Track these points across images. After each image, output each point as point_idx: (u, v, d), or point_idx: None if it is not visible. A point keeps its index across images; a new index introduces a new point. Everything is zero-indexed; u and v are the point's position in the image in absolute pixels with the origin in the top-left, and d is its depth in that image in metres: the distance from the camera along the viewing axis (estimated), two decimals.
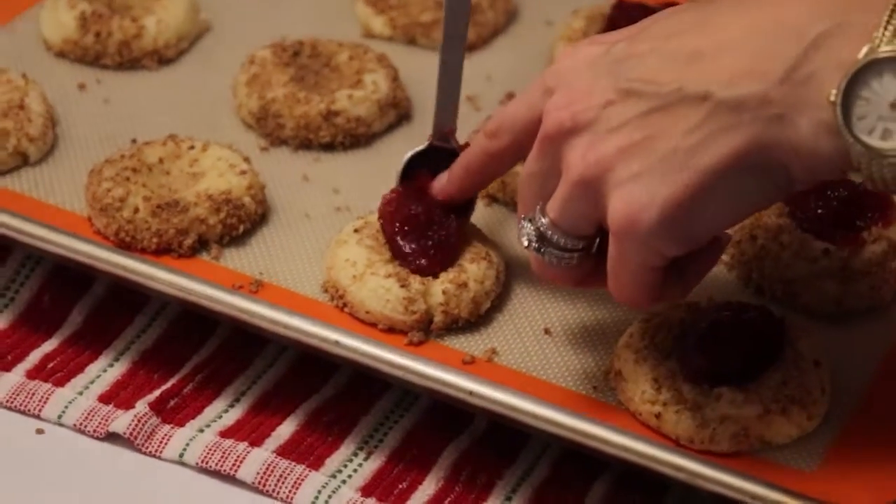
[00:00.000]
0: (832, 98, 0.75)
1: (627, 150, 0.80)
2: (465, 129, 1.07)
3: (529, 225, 0.86)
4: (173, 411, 0.94)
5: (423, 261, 0.93)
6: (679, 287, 0.86)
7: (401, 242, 0.94)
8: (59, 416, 0.94)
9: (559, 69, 0.85)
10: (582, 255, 0.86)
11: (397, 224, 0.94)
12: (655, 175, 0.79)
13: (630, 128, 0.80)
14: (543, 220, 0.85)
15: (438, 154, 0.97)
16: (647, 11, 1.11)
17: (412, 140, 1.07)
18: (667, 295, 0.86)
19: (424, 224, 0.94)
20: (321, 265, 0.97)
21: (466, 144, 0.95)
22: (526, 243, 0.87)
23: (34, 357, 0.98)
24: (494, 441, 0.93)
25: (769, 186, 0.80)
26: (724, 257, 0.98)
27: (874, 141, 0.75)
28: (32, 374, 0.97)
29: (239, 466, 0.91)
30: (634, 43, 0.82)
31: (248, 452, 0.91)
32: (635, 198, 0.80)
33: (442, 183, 0.96)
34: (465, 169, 0.94)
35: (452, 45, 0.97)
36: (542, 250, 0.86)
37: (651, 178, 0.79)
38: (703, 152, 0.78)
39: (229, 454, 0.91)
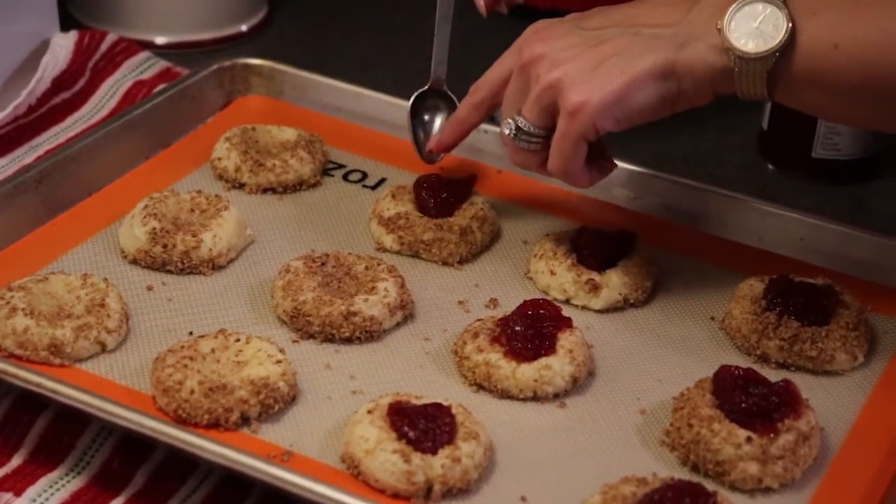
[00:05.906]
0: (719, 26, 0.99)
1: (580, 65, 1.02)
2: (456, 325, 1.08)
3: (512, 122, 1.06)
4: None
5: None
6: (594, 173, 1.09)
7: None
8: None
9: (532, 42, 1.05)
10: (542, 142, 1.06)
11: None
12: (601, 77, 1.01)
13: (581, 49, 1.02)
14: (520, 118, 1.05)
15: (433, 95, 1.20)
16: (605, 236, 1.14)
17: (417, 335, 1.09)
18: (588, 177, 1.07)
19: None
20: (340, 439, 0.97)
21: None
22: (507, 132, 1.06)
23: None
24: None
25: (666, 95, 1.01)
26: (666, 440, 1.00)
27: (745, 48, 0.97)
28: None
29: None
30: (585, 19, 1.06)
31: None
32: (586, 90, 1.01)
33: (436, 139, 1.17)
34: (454, 121, 1.15)
35: (443, 20, 1.17)
36: (517, 137, 1.06)
37: (598, 79, 1.01)
38: (634, 63, 1.00)
39: None
